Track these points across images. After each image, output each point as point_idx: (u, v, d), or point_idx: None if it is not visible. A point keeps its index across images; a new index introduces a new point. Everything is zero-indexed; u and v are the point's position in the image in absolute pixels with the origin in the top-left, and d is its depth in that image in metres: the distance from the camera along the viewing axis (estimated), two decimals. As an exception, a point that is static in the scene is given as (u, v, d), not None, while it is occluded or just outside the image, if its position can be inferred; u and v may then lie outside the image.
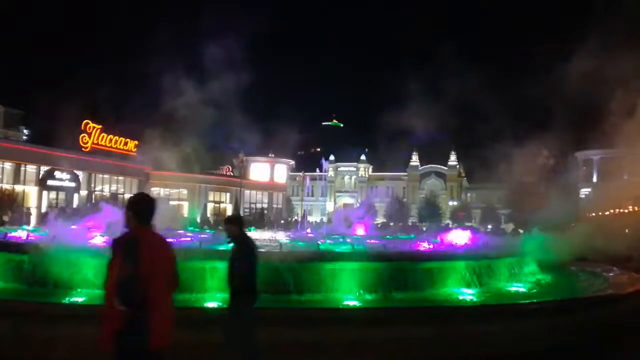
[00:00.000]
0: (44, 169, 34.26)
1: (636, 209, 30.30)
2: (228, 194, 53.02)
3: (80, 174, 37.24)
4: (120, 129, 39.41)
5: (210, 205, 50.52)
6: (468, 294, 10.21)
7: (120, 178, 41.76)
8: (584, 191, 58.73)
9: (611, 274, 13.55)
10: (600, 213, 39.12)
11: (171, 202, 43.51)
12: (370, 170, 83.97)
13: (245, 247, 6.45)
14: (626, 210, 33.20)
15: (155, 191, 45.17)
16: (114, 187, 41.26)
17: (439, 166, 79.95)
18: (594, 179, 59.18)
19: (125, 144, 40.49)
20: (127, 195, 42.16)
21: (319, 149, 70.75)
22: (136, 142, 40.95)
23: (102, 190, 39.86)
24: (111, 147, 39.37)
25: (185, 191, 48.96)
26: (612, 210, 36.24)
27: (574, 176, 58.21)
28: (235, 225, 6.57)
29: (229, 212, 50.04)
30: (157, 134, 38.72)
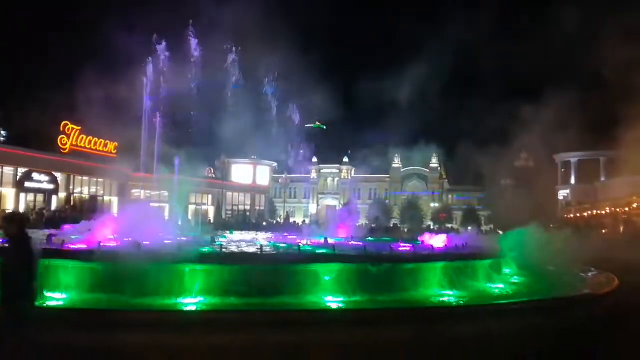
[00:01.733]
0: (21, 170, 33.63)
1: (613, 210, 30.90)
2: (210, 196, 52.66)
3: (59, 176, 36.62)
4: (100, 130, 38.90)
5: (191, 208, 50.08)
6: (448, 295, 10.27)
7: (100, 180, 41.16)
8: (563, 193, 59.68)
9: (589, 275, 13.78)
10: (578, 214, 39.87)
11: (152, 205, 43.03)
12: (353, 172, 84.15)
13: (23, 249, 5.83)
14: (603, 212, 33.83)
15: (136, 193, 44.75)
16: (93, 190, 40.66)
17: (420, 168, 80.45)
18: (572, 181, 60.13)
19: (105, 145, 39.93)
20: (108, 198, 41.66)
21: (302, 151, 70.63)
22: (116, 143, 40.44)
23: (81, 193, 39.26)
24: (91, 148, 38.77)
25: (166, 193, 48.47)
26: (589, 212, 36.98)
27: (552, 178, 59.10)
28: (13, 224, 5.94)
29: (211, 215, 49.76)
30: (139, 136, 38.36)
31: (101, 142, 39.50)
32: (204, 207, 51.49)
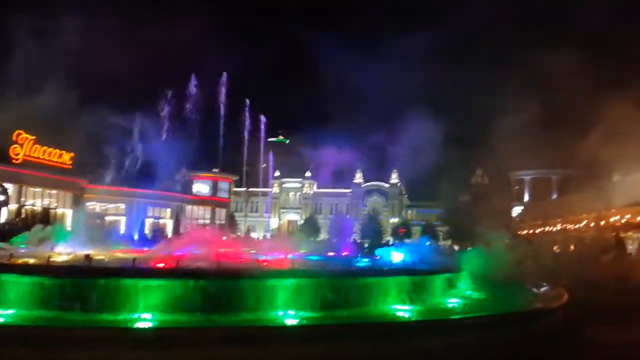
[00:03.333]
0: (-32, 181, 32.24)
1: (564, 226, 32.04)
2: (169, 210, 51.66)
3: (10, 187, 35.21)
4: (55, 140, 37.72)
5: (149, 221, 48.98)
6: (405, 310, 10.37)
7: (54, 192, 39.80)
8: (516, 209, 61.53)
9: (542, 290, 14.17)
10: (531, 230, 41.13)
11: (107, 218, 41.94)
12: (315, 186, 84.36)
13: None
14: (554, 228, 35.02)
15: (91, 206, 43.45)
16: (46, 202, 39.27)
17: (381, 184, 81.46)
18: (526, 198, 62.10)
19: (60, 156, 38.73)
20: (61, 210, 40.26)
21: (264, 165, 70.33)
22: (72, 154, 39.28)
23: (33, 205, 37.85)
24: (45, 159, 37.51)
25: (122, 206, 47.30)
26: (542, 228, 38.21)
27: (507, 195, 60.91)
28: None
29: (170, 228, 48.78)
30: (95, 147, 37.39)
31: (56, 152, 38.31)
32: (161, 221, 50.45)
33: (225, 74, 48.11)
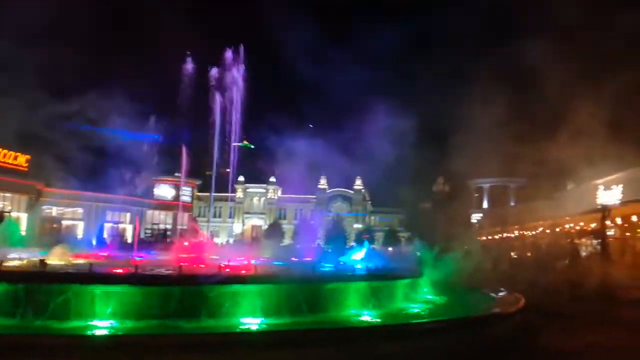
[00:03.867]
0: None
1: (521, 233, 32.97)
2: (129, 214, 50.52)
3: (-41, 190, 33.78)
4: (10, 141, 36.35)
5: (107, 226, 47.75)
6: (368, 315, 10.45)
7: (8, 195, 38.34)
8: (476, 216, 63.00)
9: (500, 295, 14.51)
10: (489, 236, 42.15)
11: (64, 222, 40.71)
12: (280, 192, 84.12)
13: None
14: (512, 235, 35.99)
15: (47, 210, 42.08)
16: (-1, 205, 37.80)
17: (345, 190, 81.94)
18: (485, 205, 63.66)
19: (16, 158, 37.36)
20: (15, 214, 38.80)
21: (228, 170, 69.68)
22: (28, 156, 37.95)
23: (-16, 208, 36.37)
24: (-1, 161, 36.15)
25: (80, 210, 45.98)
26: (500, 235, 39.22)
27: (467, 202, 62.33)
28: None
29: (129, 233, 47.65)
30: (53, 149, 36.18)
31: (11, 154, 36.95)
32: (121, 226, 49.26)
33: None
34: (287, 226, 73.40)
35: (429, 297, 13.71)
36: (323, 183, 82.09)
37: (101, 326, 8.30)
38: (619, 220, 21.91)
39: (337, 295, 10.58)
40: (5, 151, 36.48)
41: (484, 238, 42.84)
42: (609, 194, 21.06)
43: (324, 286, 10.54)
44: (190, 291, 9.16)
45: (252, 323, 9.08)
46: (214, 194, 68.58)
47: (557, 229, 27.51)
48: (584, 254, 26.68)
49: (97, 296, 8.66)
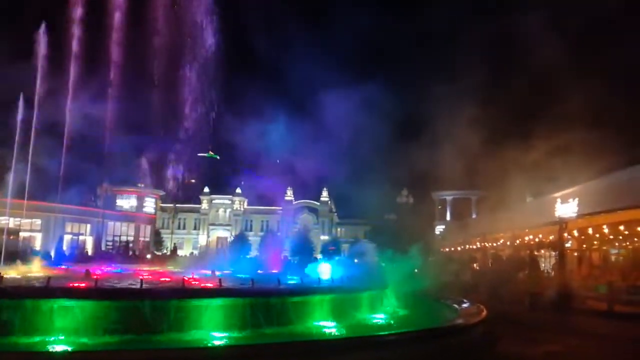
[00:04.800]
0: None
1: (483, 244, 33.63)
2: (89, 226, 49.20)
3: None
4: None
5: (67, 238, 46.35)
6: (331, 327, 10.48)
7: (-41, 205, 36.81)
8: (439, 228, 64.07)
9: (462, 306, 14.77)
10: (452, 248, 42.87)
11: (21, 234, 39.29)
12: (246, 203, 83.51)
13: None
14: (474, 246, 36.67)
15: (4, 221, 40.54)
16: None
17: (311, 201, 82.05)
18: (448, 217, 64.86)
19: (-33, 166, 35.96)
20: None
21: (193, 181, 68.79)
22: (-20, 164, 36.57)
23: None
24: (-51, 170, 34.69)
25: (38, 221, 44.52)
26: (462, 246, 39.93)
27: (430, 214, 63.33)
28: None
29: (90, 245, 46.38)
30: (8, 156, 34.93)
31: (-39, 162, 35.53)
32: (81, 237, 47.90)
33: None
34: (253, 238, 72.86)
35: (393, 308, 13.84)
36: (289, 194, 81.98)
37: (59, 342, 8.04)
38: (575, 233, 22.66)
39: (301, 308, 10.58)
40: (-45, 158, 35.08)
41: (447, 249, 43.54)
42: (566, 207, 21.74)
43: (288, 299, 10.52)
44: (152, 305, 8.98)
45: (215, 337, 8.97)
46: (178, 205, 67.65)
47: (517, 241, 28.21)
48: (542, 265, 27.42)
49: (55, 311, 8.40)
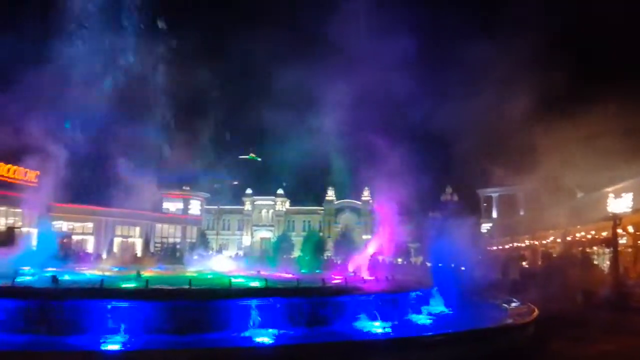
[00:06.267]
0: None
1: (531, 242, 32.71)
2: (138, 228, 50.73)
3: (-29, 206, 34.16)
4: (19, 157, 36.69)
5: (117, 240, 47.98)
6: (377, 327, 10.40)
7: (19, 211, 38.66)
8: (485, 226, 62.58)
9: (511, 305, 14.39)
10: (499, 246, 41.87)
11: (74, 237, 40.93)
12: (288, 204, 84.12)
13: None
14: (522, 244, 35.70)
15: (58, 225, 42.32)
16: (10, 221, 38.08)
17: (353, 201, 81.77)
18: (494, 214, 63.28)
19: (25, 174, 37.69)
20: (27, 229, 39.06)
21: (236, 183, 69.94)
22: (37, 172, 38.26)
23: (-5, 224, 36.70)
24: (9, 177, 36.46)
25: (90, 225, 46.26)
26: (510, 244, 38.94)
27: (476, 212, 61.94)
28: None
29: (139, 247, 47.83)
30: (62, 164, 36.40)
31: (20, 170, 37.29)
32: (130, 240, 49.46)
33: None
34: (295, 238, 73.31)
35: (440, 308, 13.60)
36: (330, 194, 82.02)
37: (111, 341, 8.30)
38: (630, 229, 21.69)
39: (346, 307, 10.55)
40: (15, 167, 36.86)
41: (494, 248, 42.56)
42: (620, 202, 20.84)
43: (334, 298, 10.51)
44: (201, 305, 9.16)
45: (263, 335, 9.06)
46: (222, 206, 68.85)
47: (568, 238, 27.25)
48: (595, 262, 26.42)
49: (108, 311, 8.69)
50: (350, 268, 17.35)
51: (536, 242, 32.05)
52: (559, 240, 29.01)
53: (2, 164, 35.68)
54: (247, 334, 9.14)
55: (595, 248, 27.49)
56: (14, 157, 36.22)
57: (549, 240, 30.67)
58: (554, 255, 28.06)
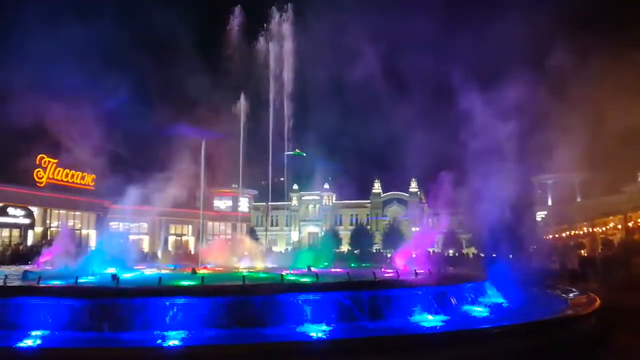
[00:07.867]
0: (-5, 205, 32.97)
1: (590, 230, 31.39)
2: (190, 226, 52.07)
3: (35, 210, 35.90)
4: (77, 162, 38.28)
5: (171, 239, 49.43)
6: (432, 320, 10.24)
7: (77, 213, 40.43)
8: (540, 214, 60.55)
9: (570, 295, 13.87)
10: (556, 235, 40.42)
11: (130, 237, 42.37)
12: (334, 198, 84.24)
13: None
14: (581, 232, 34.31)
15: (114, 226, 44.00)
16: (70, 223, 39.88)
17: (400, 193, 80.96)
18: (549, 202, 61.13)
19: (83, 178, 39.35)
20: (85, 231, 40.86)
21: (282, 179, 70.64)
22: (94, 175, 39.88)
23: (58, 227, 38.42)
24: (68, 181, 38.17)
25: (145, 225, 47.82)
26: (567, 232, 37.52)
27: (530, 200, 59.93)
28: None
29: (192, 245, 49.14)
30: (116, 167, 37.75)
31: (78, 174, 38.93)
32: (184, 238, 50.86)
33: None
34: (343, 232, 73.35)
35: (496, 299, 13.27)
36: (377, 187, 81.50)
37: (169, 337, 8.53)
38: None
39: (400, 301, 10.43)
40: (73, 172, 38.46)
41: (550, 237, 41.12)
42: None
43: (387, 292, 10.42)
44: (254, 301, 9.28)
45: (315, 331, 9.09)
46: (270, 203, 69.60)
47: (630, 224, 25.97)
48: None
49: (166, 307, 8.94)
50: (400, 261, 17.16)
51: (595, 229, 30.72)
52: (619, 226, 27.69)
53: (60, 169, 37.32)
54: (301, 328, 9.20)
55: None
56: (72, 162, 37.81)
57: (609, 227, 29.33)
58: (615, 243, 26.83)
